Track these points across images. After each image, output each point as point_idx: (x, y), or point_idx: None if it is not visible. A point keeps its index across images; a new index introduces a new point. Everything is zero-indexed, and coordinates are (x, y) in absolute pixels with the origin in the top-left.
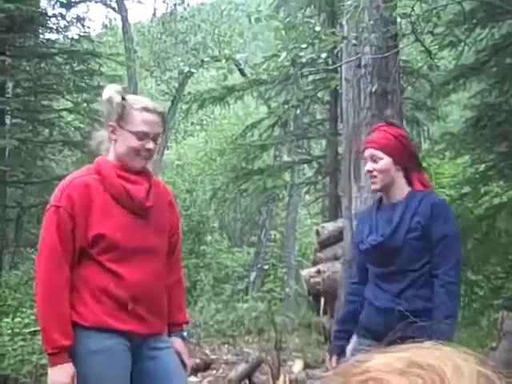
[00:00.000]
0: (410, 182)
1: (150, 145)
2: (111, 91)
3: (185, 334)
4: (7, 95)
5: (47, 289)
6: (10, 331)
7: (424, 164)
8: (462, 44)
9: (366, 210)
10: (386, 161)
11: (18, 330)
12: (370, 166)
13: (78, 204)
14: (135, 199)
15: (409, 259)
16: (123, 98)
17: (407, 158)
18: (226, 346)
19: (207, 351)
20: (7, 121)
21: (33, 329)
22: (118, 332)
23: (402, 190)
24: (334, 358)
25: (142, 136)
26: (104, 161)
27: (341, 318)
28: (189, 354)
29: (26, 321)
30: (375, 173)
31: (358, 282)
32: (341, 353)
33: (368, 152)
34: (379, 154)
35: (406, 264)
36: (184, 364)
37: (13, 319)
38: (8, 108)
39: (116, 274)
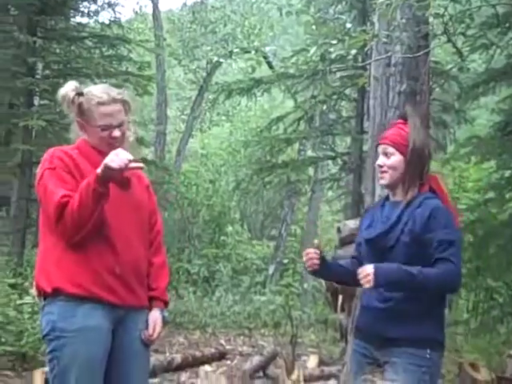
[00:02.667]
0: (419, 184)
1: (116, 133)
2: (66, 89)
3: (166, 313)
4: (37, 76)
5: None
6: (30, 309)
7: (449, 167)
8: (494, 47)
9: (373, 205)
10: (397, 158)
11: (37, 309)
12: (381, 160)
13: (69, 164)
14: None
15: (399, 260)
16: (79, 94)
17: (419, 159)
18: (242, 337)
19: (222, 341)
20: (35, 102)
21: None
22: (103, 303)
23: (408, 189)
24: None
25: (105, 128)
26: (84, 140)
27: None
28: (160, 331)
29: None
30: (385, 168)
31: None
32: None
33: (381, 148)
34: (391, 150)
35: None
36: (149, 339)
37: (33, 297)
38: (37, 89)
39: (107, 240)
